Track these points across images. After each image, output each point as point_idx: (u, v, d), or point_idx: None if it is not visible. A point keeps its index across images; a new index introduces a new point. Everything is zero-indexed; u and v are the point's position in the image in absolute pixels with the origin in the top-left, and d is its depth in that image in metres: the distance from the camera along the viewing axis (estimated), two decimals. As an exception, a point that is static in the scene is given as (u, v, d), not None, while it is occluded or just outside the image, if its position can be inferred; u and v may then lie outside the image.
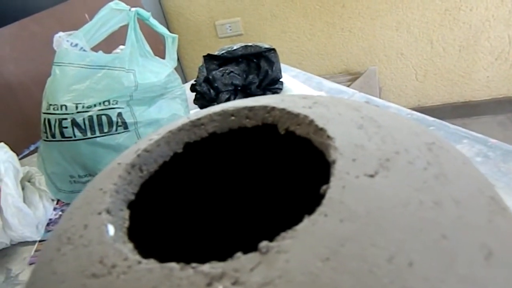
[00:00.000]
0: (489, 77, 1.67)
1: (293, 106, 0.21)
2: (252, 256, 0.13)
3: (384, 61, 1.70)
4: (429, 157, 0.17)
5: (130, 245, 0.16)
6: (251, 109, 0.23)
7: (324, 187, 0.15)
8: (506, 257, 0.14)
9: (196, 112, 0.25)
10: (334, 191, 0.15)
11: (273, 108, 0.22)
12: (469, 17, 1.53)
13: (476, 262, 0.14)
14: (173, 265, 0.14)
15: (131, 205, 0.19)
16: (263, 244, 0.13)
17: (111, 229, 0.16)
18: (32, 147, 1.01)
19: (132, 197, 0.20)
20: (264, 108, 0.22)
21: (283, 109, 0.21)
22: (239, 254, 0.13)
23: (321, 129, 0.18)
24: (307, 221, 0.14)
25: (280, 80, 0.79)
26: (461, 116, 1.76)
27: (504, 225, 0.16)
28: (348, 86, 1.58)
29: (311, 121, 0.19)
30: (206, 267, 0.13)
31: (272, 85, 0.78)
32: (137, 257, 0.15)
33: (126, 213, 0.18)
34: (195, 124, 0.24)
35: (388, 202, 0.14)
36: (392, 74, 1.73)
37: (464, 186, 0.16)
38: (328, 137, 0.17)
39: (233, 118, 0.24)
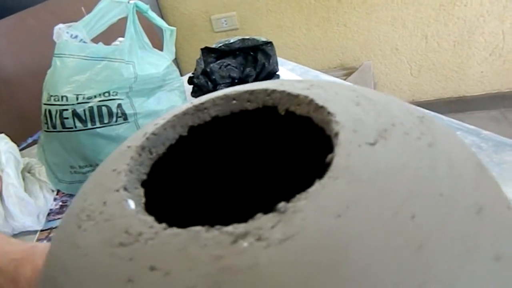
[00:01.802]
0: (483, 73, 1.69)
1: (292, 89, 0.22)
2: (272, 216, 0.15)
3: (379, 56, 1.71)
4: (422, 128, 0.19)
5: (151, 217, 0.17)
6: (252, 92, 0.24)
7: (330, 155, 0.16)
8: (494, 213, 0.16)
9: (199, 98, 0.26)
10: (340, 158, 0.16)
11: (274, 91, 0.23)
12: (463, 12, 1.55)
13: (470, 216, 0.15)
14: (198, 228, 0.15)
15: (143, 185, 0.20)
16: (281, 204, 0.15)
17: (131, 204, 0.17)
18: (30, 140, 1.01)
19: (144, 177, 0.21)
20: (265, 91, 0.23)
21: (283, 91, 0.22)
22: (259, 214, 0.15)
23: (321, 107, 0.19)
24: (318, 185, 0.15)
25: (277, 73, 0.80)
26: (455, 111, 1.77)
27: (491, 187, 0.17)
28: (343, 80, 1.59)
29: (311, 100, 0.20)
30: (230, 228, 0.15)
31: (269, 78, 0.79)
32: (163, 224, 0.16)
33: (141, 191, 0.19)
34: (199, 108, 0.25)
35: (389, 167, 0.16)
36: (387, 69, 1.74)
37: (454, 153, 0.18)
38: (329, 113, 0.19)
39: (234, 102, 0.25)
